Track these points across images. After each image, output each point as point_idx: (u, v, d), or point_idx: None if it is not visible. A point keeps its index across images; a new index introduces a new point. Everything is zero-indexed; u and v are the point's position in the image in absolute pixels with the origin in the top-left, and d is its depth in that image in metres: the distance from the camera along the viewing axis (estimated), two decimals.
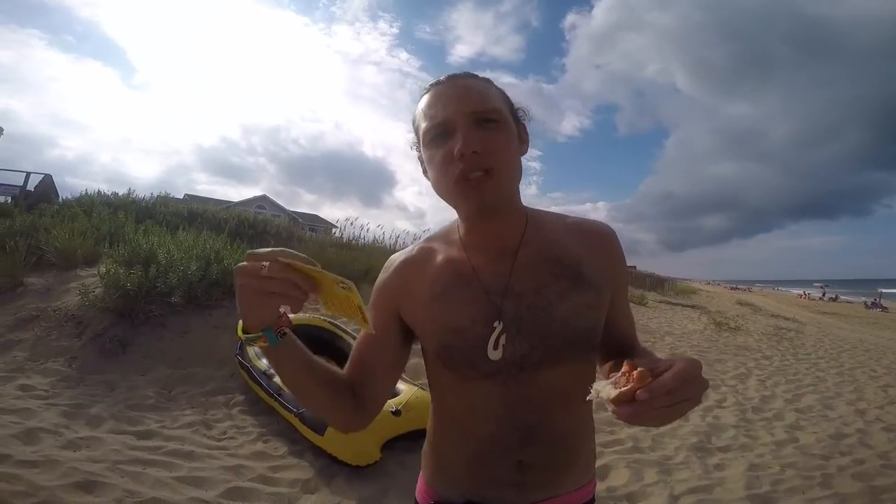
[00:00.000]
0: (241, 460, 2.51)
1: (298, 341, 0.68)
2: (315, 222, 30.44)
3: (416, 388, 2.90)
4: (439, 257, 0.79)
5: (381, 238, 9.90)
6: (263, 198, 34.25)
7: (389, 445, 2.61)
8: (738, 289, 49.84)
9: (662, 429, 3.27)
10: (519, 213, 0.77)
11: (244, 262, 0.58)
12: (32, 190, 10.80)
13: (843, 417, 4.04)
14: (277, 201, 35.36)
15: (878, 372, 6.17)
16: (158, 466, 2.31)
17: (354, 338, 2.07)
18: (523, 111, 0.77)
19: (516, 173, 0.72)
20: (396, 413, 2.63)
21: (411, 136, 0.78)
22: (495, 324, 0.71)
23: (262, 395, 3.04)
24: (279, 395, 2.87)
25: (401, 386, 2.92)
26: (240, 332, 0.62)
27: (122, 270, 4.22)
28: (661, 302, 14.60)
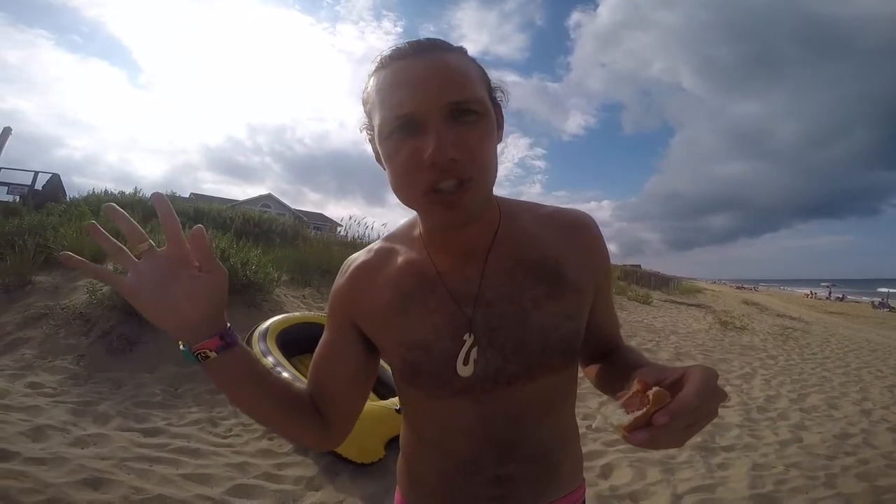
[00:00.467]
0: (247, 457, 2.54)
1: (246, 355, 0.59)
2: (320, 220, 30.57)
3: None
4: (399, 259, 0.68)
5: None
6: (269, 196, 34.41)
7: (393, 443, 2.63)
8: (744, 288, 49.57)
9: None
10: (491, 209, 0.65)
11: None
12: (40, 189, 10.86)
13: (848, 417, 4.02)
14: (283, 200, 35.65)
15: (885, 372, 6.13)
16: (165, 463, 2.33)
17: None
18: (501, 91, 0.61)
19: (495, 172, 0.58)
20: (400, 411, 2.64)
21: (361, 116, 0.62)
22: (465, 336, 0.62)
23: None
24: None
25: None
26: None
27: None
28: (666, 301, 14.53)
